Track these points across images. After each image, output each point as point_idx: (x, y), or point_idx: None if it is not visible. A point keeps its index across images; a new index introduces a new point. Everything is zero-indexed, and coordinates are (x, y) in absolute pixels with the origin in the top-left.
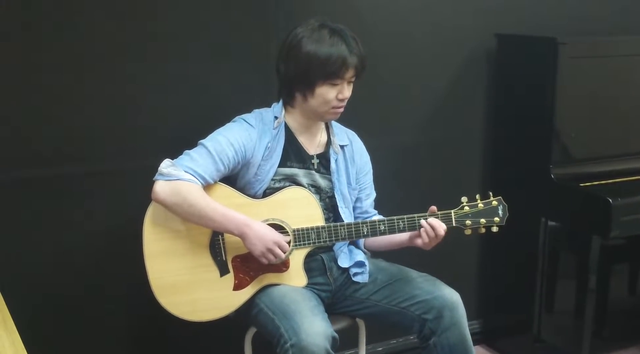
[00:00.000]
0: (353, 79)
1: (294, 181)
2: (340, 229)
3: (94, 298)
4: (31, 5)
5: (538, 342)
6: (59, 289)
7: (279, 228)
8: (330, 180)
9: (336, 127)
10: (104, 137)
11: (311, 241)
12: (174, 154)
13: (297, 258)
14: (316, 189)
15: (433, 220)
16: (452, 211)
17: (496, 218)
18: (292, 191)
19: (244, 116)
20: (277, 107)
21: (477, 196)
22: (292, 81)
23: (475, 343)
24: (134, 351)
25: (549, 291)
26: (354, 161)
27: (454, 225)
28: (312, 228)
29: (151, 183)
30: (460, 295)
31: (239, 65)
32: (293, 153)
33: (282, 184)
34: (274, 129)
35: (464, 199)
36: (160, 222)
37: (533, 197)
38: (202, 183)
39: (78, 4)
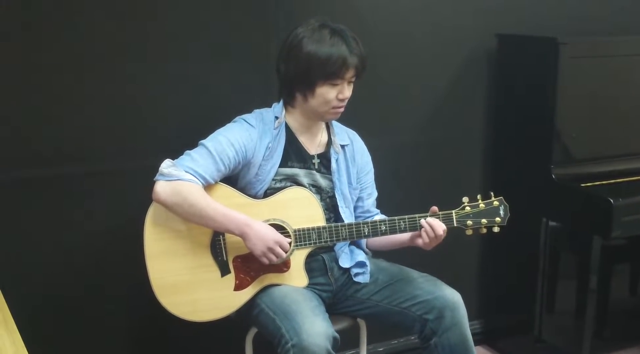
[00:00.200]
0: (353, 79)
1: (294, 181)
2: (341, 229)
3: (94, 298)
4: (31, 5)
5: (539, 342)
6: (60, 289)
7: (280, 228)
8: (331, 180)
9: (337, 126)
10: (104, 137)
11: (312, 242)
12: (174, 154)
13: (298, 258)
14: (317, 189)
15: (433, 220)
16: (454, 211)
17: (497, 219)
18: (293, 192)
19: (244, 116)
20: (278, 107)
21: (479, 197)
22: (292, 81)
23: (476, 343)
24: (135, 351)
25: (550, 291)
26: (354, 160)
27: (455, 225)
28: (313, 229)
29: (151, 183)
30: (461, 295)
31: (239, 65)
32: (294, 153)
33: (283, 184)
34: (274, 129)
35: (465, 199)
36: (161, 222)
37: (534, 197)
38: (202, 184)
39: (78, 4)
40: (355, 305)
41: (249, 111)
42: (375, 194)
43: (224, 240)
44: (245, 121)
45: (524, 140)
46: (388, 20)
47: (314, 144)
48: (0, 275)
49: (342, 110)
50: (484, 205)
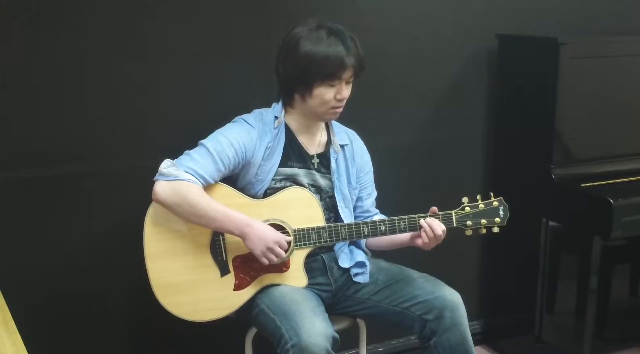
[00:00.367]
0: (352, 79)
1: (294, 181)
2: (341, 229)
3: (94, 298)
4: (31, 5)
5: (539, 342)
6: (60, 289)
7: (279, 228)
8: (331, 180)
9: (336, 126)
10: (104, 137)
11: (312, 242)
12: (174, 154)
13: (298, 258)
14: (316, 189)
15: (432, 221)
16: (453, 211)
17: (497, 219)
18: (292, 192)
19: (244, 116)
20: (277, 107)
21: (478, 197)
22: (290, 82)
23: (476, 343)
24: (135, 351)
25: (550, 291)
26: (354, 160)
27: (454, 225)
28: (312, 229)
29: (151, 183)
30: (461, 295)
31: (239, 65)
32: (293, 153)
33: (282, 184)
34: (274, 129)
35: (464, 199)
36: (161, 222)
37: (534, 198)
38: (202, 183)
39: (78, 4)
40: (354, 305)
41: (249, 111)
42: (375, 194)
43: (223, 240)
44: (245, 121)
45: (524, 140)
46: (389, 21)
47: (313, 144)
48: (0, 275)
49: (340, 110)
50: (483, 206)
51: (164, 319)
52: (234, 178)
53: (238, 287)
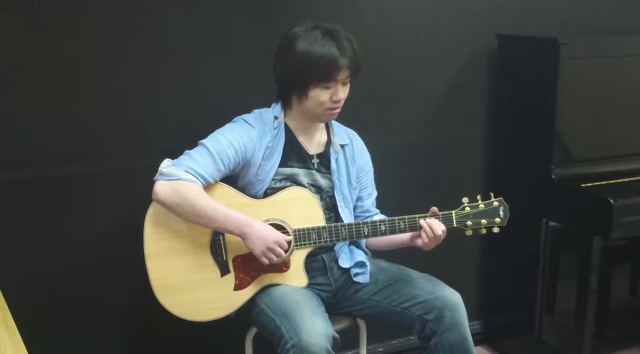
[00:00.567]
0: (348, 80)
1: (294, 181)
2: (341, 229)
3: (94, 298)
4: (31, 5)
5: (539, 342)
6: (60, 289)
7: (279, 228)
8: (331, 180)
9: (336, 126)
10: (104, 137)
11: (312, 242)
12: (174, 154)
13: (298, 258)
14: (317, 189)
15: (432, 221)
16: (453, 211)
17: (497, 219)
18: (293, 192)
19: (243, 116)
20: (277, 108)
21: (478, 197)
22: (287, 83)
23: (476, 343)
24: (135, 351)
25: (550, 291)
26: (354, 160)
27: (455, 225)
28: (312, 228)
29: (151, 183)
30: (461, 295)
31: (239, 65)
32: (293, 153)
33: (282, 184)
34: (274, 129)
35: (465, 200)
36: (161, 222)
37: (534, 198)
38: (202, 183)
39: (78, 4)
40: (355, 305)
41: (249, 111)
42: (375, 194)
43: (223, 239)
44: (245, 121)
45: (524, 140)
46: (389, 21)
47: (313, 144)
48: (0, 275)
49: (338, 110)
50: (483, 206)
51: (164, 319)
52: (234, 178)
53: (238, 287)
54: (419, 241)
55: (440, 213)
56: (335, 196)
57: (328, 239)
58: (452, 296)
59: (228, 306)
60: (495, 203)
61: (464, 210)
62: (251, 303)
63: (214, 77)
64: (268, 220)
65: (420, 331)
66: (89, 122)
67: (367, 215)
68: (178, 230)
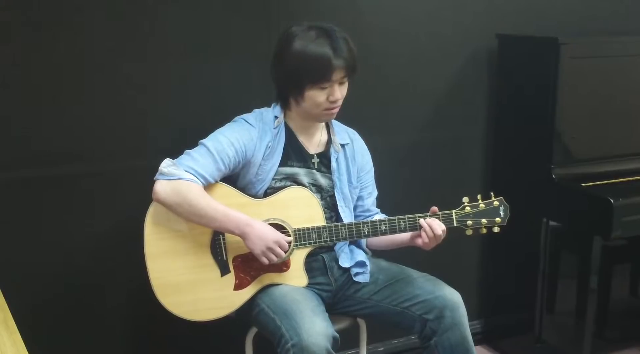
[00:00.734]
0: (345, 80)
1: (295, 180)
2: (341, 229)
3: (94, 298)
4: (31, 5)
5: (539, 342)
6: (60, 289)
7: (280, 227)
8: (331, 179)
9: (337, 125)
10: (104, 137)
11: (312, 241)
12: (174, 154)
13: (298, 257)
14: (317, 188)
15: (432, 220)
16: (454, 211)
17: (497, 219)
18: (293, 191)
19: (244, 116)
20: (277, 107)
21: (479, 197)
22: (283, 85)
23: (476, 343)
24: (135, 351)
25: (550, 291)
26: (354, 159)
27: (455, 225)
28: (313, 228)
29: (151, 183)
30: (461, 294)
31: (239, 65)
32: (294, 152)
33: (283, 183)
34: (274, 128)
35: (465, 199)
36: (161, 222)
37: (534, 197)
38: (202, 183)
39: (78, 4)
40: (355, 305)
41: (249, 111)
42: (376, 193)
43: (223, 239)
44: (245, 121)
45: (524, 140)
46: (389, 20)
47: (313, 143)
48: (0, 275)
49: (336, 110)
50: (484, 205)
51: (164, 319)
52: (234, 178)
53: (238, 287)
54: (419, 241)
55: (440, 212)
56: (336, 195)
57: (328, 239)
58: (453, 296)
59: (228, 305)
60: (496, 203)
61: (464, 209)
62: (251, 302)
63: (214, 77)
64: (268, 220)
65: (421, 330)
66: (89, 122)
67: (367, 214)
68: (178, 230)
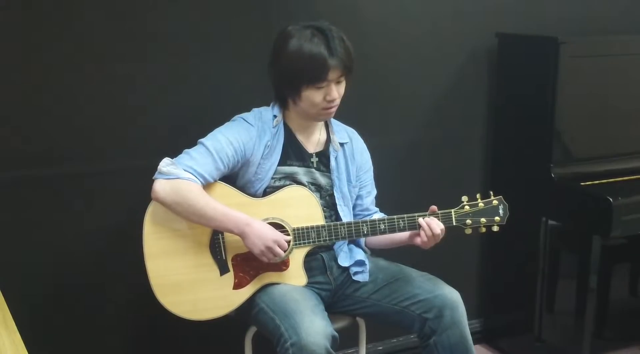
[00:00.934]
0: (342, 79)
1: (294, 179)
2: (340, 228)
3: (94, 298)
4: (31, 5)
5: (538, 342)
6: (59, 289)
7: (279, 227)
8: (330, 178)
9: (336, 124)
10: (104, 137)
11: (311, 240)
12: (174, 154)
13: (297, 257)
14: (316, 187)
15: (431, 220)
16: (453, 210)
17: (497, 218)
18: (292, 190)
19: (243, 115)
20: (276, 107)
21: (478, 196)
22: (280, 85)
23: (476, 342)
24: (134, 351)
25: (550, 290)
26: (354, 159)
27: (454, 224)
28: (312, 227)
29: (151, 183)
30: (460, 294)
31: (239, 65)
32: (293, 151)
33: (282, 183)
34: (273, 128)
35: (464, 198)
36: (161, 221)
37: (533, 197)
38: (201, 182)
39: (78, 4)
40: (354, 304)
41: (249, 110)
42: (375, 192)
43: (223, 238)
44: (244, 120)
45: (524, 140)
46: (388, 20)
47: (312, 142)
48: (0, 275)
49: (334, 109)
50: (483, 204)
51: (164, 319)
52: (234, 177)
53: (237, 286)
54: (418, 240)
55: (439, 211)
56: (335, 194)
57: (327, 238)
58: (452, 295)
59: (227, 305)
60: (495, 202)
61: (463, 208)
62: (250, 302)
63: (213, 77)
64: (267, 219)
65: (420, 329)
66: (89, 121)
67: (366, 213)
68: (177, 229)
